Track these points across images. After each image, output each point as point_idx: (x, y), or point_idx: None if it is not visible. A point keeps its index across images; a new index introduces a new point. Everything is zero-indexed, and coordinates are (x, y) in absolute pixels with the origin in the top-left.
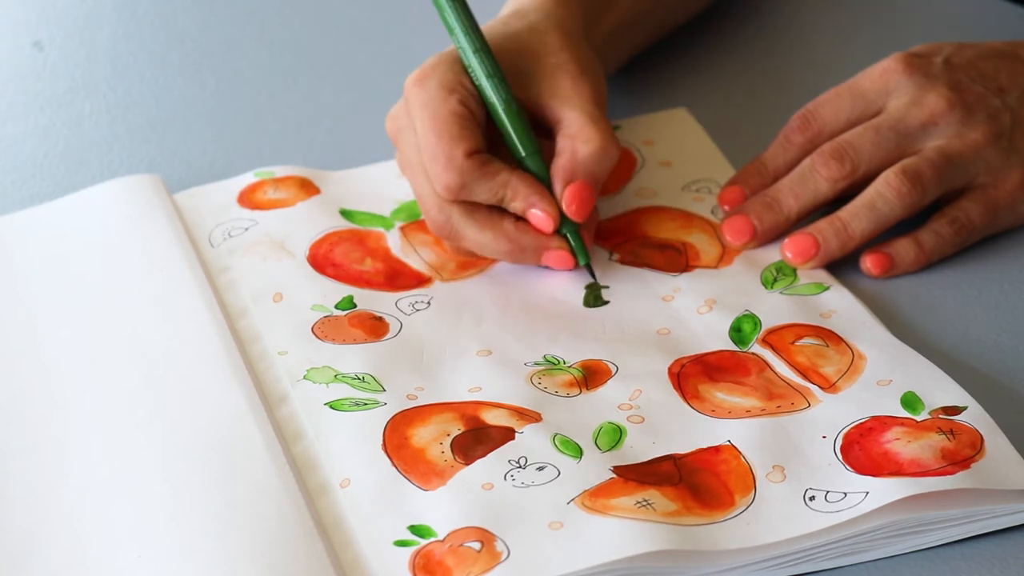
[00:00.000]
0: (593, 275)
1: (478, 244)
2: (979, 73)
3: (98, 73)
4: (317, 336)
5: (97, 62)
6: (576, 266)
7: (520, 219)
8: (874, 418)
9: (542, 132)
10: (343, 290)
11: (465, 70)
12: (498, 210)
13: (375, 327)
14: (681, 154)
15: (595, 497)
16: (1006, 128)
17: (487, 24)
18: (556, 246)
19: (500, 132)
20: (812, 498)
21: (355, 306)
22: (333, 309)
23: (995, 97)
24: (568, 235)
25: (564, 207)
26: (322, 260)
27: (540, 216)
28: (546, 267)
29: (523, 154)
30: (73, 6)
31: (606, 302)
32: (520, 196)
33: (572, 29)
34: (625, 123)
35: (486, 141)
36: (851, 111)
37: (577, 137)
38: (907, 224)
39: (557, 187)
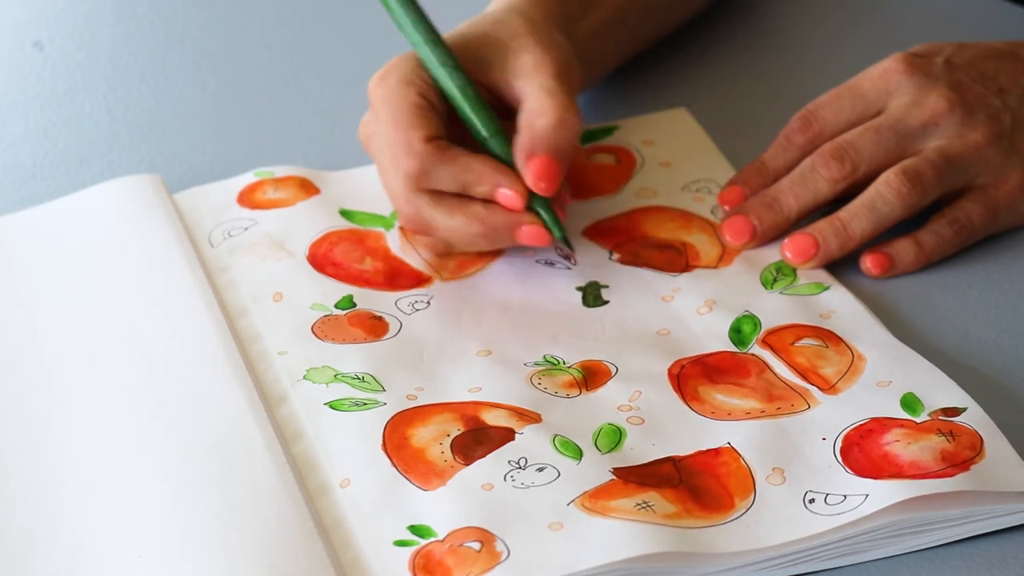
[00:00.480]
0: (569, 245)
1: (450, 230)
2: (980, 73)
3: (98, 73)
4: (317, 336)
5: (97, 62)
6: (552, 240)
7: (488, 200)
8: (874, 420)
9: (510, 116)
10: (343, 289)
11: (422, 63)
12: (466, 196)
13: (375, 327)
14: (681, 154)
15: (595, 498)
16: (1006, 128)
17: (459, 25)
18: (528, 221)
19: (462, 124)
20: (812, 500)
21: (355, 305)
22: (333, 308)
23: (995, 97)
24: (539, 210)
25: (530, 183)
26: (322, 259)
27: (508, 195)
28: (525, 246)
29: (485, 135)
30: (73, 6)
31: (606, 301)
32: (484, 179)
33: (539, 20)
34: (625, 123)
35: (452, 132)
36: (852, 112)
37: (535, 111)
38: (907, 224)
39: (520, 163)
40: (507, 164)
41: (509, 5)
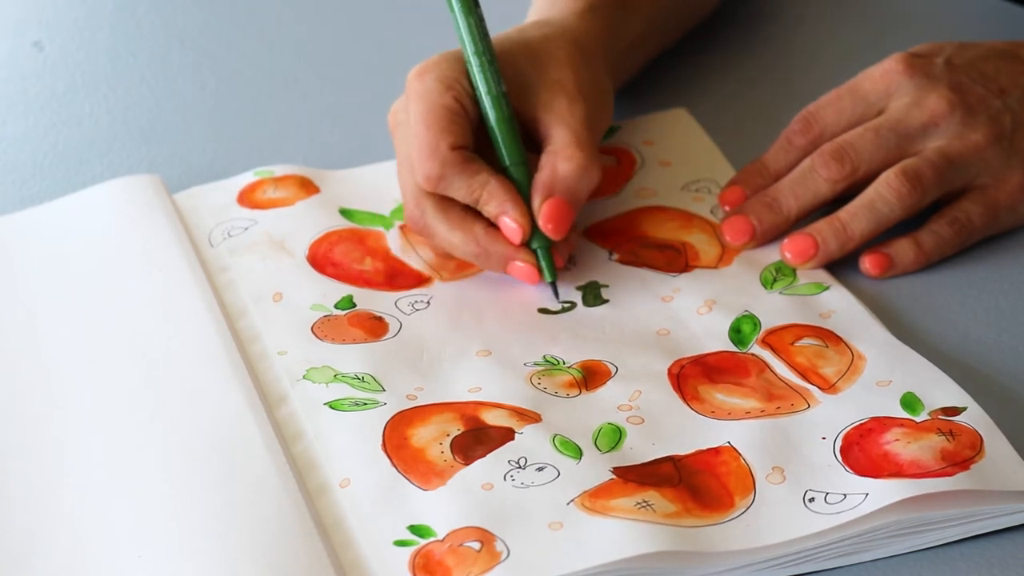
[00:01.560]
0: (557, 294)
1: (448, 243)
2: (980, 74)
3: (98, 73)
4: (317, 336)
5: (97, 62)
6: (540, 282)
7: (493, 225)
8: (874, 419)
9: (534, 147)
10: (343, 289)
11: (466, 70)
12: (472, 213)
13: (375, 327)
14: (680, 154)
15: (595, 498)
16: (1007, 129)
17: (505, 31)
18: (523, 258)
19: (489, 139)
20: (812, 499)
21: (355, 306)
22: (333, 309)
23: (996, 98)
24: (539, 250)
25: (540, 223)
26: (322, 259)
27: (511, 226)
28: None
29: (507, 163)
30: (73, 6)
31: (605, 301)
32: (495, 200)
33: (589, 44)
34: (625, 123)
35: (475, 142)
36: (852, 113)
37: (560, 154)
38: (907, 224)
39: (535, 201)
40: (523, 196)
41: (561, 20)
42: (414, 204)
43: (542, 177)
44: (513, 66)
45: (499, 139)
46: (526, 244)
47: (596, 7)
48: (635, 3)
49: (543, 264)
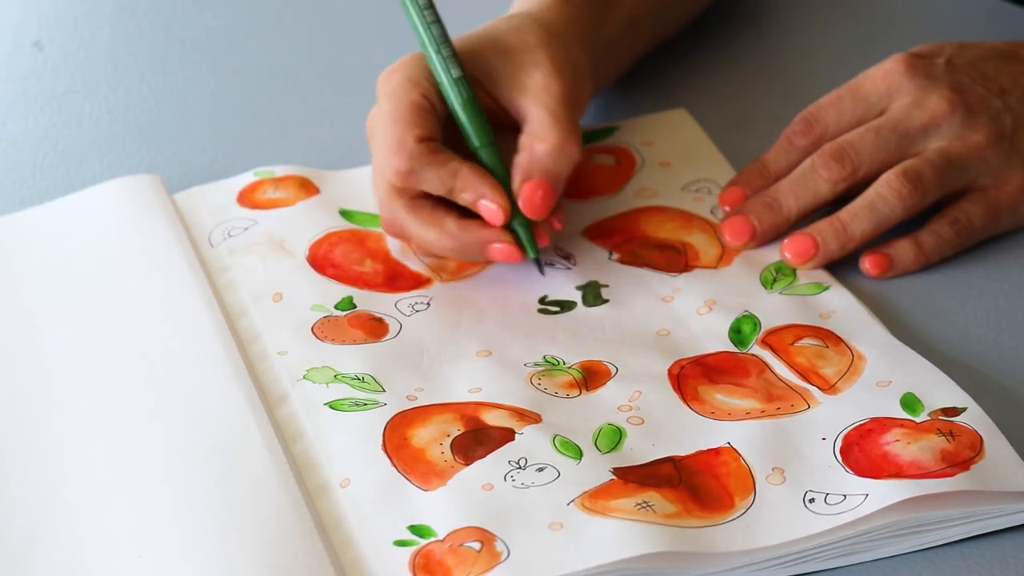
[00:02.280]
0: (541, 269)
1: (424, 241)
2: (981, 74)
3: (98, 73)
4: (317, 336)
5: (97, 62)
6: (524, 259)
7: (464, 217)
8: (873, 419)
9: (514, 132)
10: (343, 291)
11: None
12: (443, 207)
13: (375, 328)
14: (680, 154)
15: (595, 498)
16: (1007, 130)
17: (479, 27)
18: (501, 239)
19: (459, 128)
20: (812, 500)
21: (355, 307)
22: (333, 309)
23: (997, 99)
24: (519, 228)
25: (520, 205)
26: (322, 260)
27: (490, 207)
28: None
29: (476, 144)
30: (73, 6)
31: (605, 301)
32: (470, 187)
33: (559, 30)
34: (624, 124)
35: (450, 138)
36: (853, 114)
37: (536, 134)
38: (908, 225)
39: (515, 183)
40: (497, 176)
41: (531, 11)
42: (386, 207)
43: (521, 159)
44: (482, 58)
45: (464, 123)
46: (507, 225)
47: (566, 1)
48: None
49: (524, 241)
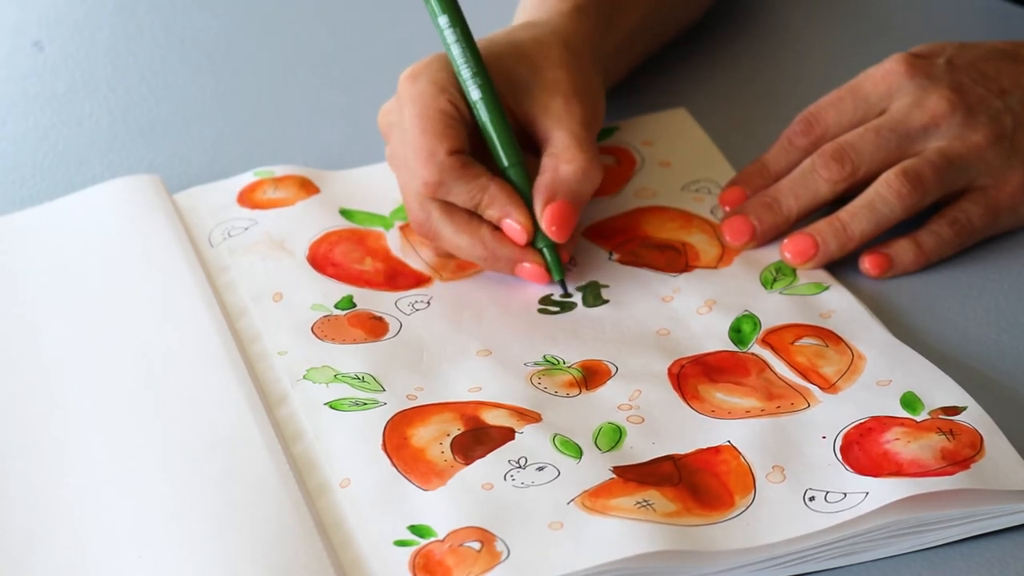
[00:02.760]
0: (566, 290)
1: (454, 245)
2: (981, 75)
3: (98, 73)
4: (317, 336)
5: (97, 62)
6: (550, 281)
7: (498, 229)
8: (874, 418)
9: (529, 148)
10: (343, 290)
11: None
12: (477, 215)
13: (375, 327)
14: (680, 154)
15: (595, 497)
16: (1008, 130)
17: (494, 33)
18: (531, 259)
19: (485, 141)
20: (812, 498)
21: (355, 306)
22: (333, 309)
23: (997, 99)
24: (544, 249)
25: (543, 226)
26: (322, 260)
27: (514, 227)
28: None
29: (505, 164)
30: (73, 6)
31: (605, 301)
32: (496, 204)
33: (578, 46)
34: (624, 124)
35: (471, 146)
36: (854, 114)
37: (561, 156)
38: (908, 224)
39: (538, 204)
40: (523, 196)
41: (548, 20)
42: (418, 207)
43: (544, 180)
44: (505, 68)
45: (495, 142)
46: (531, 244)
47: (583, 7)
48: (624, 4)
49: (550, 262)
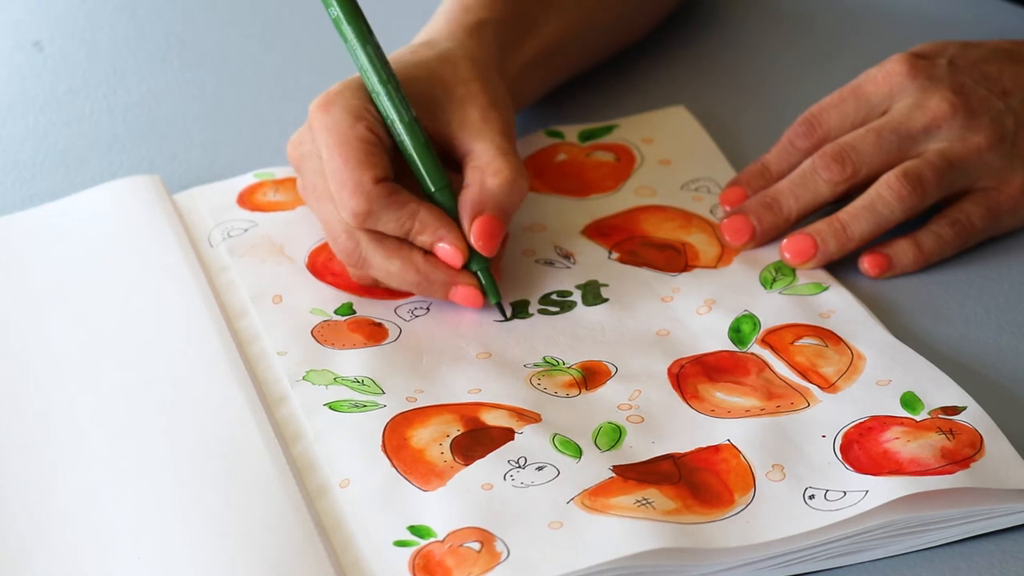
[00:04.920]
0: (503, 313)
1: (386, 273)
2: (983, 75)
3: (98, 73)
4: (317, 340)
5: (97, 62)
6: (485, 303)
7: (430, 253)
8: (873, 418)
9: (449, 163)
10: (342, 297)
11: (371, 97)
12: (407, 240)
13: (374, 332)
14: (680, 152)
15: (595, 496)
16: (1009, 131)
17: (395, 53)
18: (465, 282)
19: (405, 164)
20: (812, 497)
21: (354, 312)
22: (332, 314)
23: (999, 100)
24: (478, 272)
25: (472, 241)
26: (321, 268)
27: (448, 250)
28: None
29: (433, 189)
30: (73, 6)
31: (605, 300)
32: (428, 230)
33: (482, 59)
34: (624, 121)
35: (393, 171)
36: (855, 116)
37: (486, 169)
38: (907, 224)
39: (465, 220)
40: (453, 218)
41: (453, 39)
42: (346, 238)
43: (470, 195)
44: (415, 88)
45: (420, 166)
46: (465, 267)
47: (486, 23)
48: (532, 21)
49: (486, 285)
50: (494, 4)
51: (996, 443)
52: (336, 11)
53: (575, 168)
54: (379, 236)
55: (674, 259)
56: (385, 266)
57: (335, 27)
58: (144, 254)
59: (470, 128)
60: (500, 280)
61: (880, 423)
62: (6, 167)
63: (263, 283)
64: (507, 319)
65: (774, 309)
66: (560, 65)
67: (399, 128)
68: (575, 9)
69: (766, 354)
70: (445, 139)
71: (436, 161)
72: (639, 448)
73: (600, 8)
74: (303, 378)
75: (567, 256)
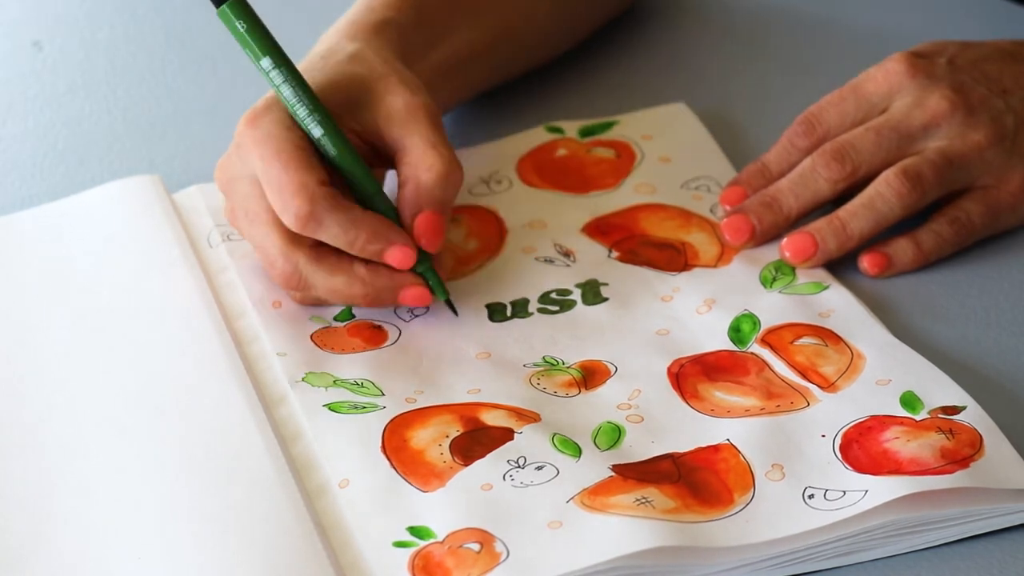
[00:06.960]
0: (454, 310)
1: (330, 290)
2: (983, 74)
3: (98, 73)
4: (316, 344)
5: (97, 62)
6: (435, 301)
7: (369, 261)
8: (873, 417)
9: (381, 160)
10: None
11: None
12: (347, 254)
13: (374, 336)
14: (680, 150)
15: (594, 495)
16: (1009, 130)
17: (304, 62)
18: (412, 283)
19: (345, 178)
20: (811, 496)
21: (353, 316)
22: (332, 321)
23: (998, 99)
24: (425, 272)
25: (416, 239)
26: None
27: (398, 253)
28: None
29: (368, 192)
30: (73, 6)
31: (605, 299)
32: (377, 237)
33: (391, 54)
34: (624, 118)
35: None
36: (855, 114)
37: (419, 166)
38: (907, 223)
39: (406, 219)
40: (393, 221)
41: (358, 39)
42: (283, 260)
43: (407, 193)
44: (334, 93)
45: (351, 174)
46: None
47: (390, 23)
48: (442, 29)
49: (433, 284)
50: (400, 6)
51: (996, 443)
52: (242, 26)
53: (575, 164)
54: (317, 254)
55: (674, 258)
56: (328, 284)
57: (240, 45)
58: (144, 254)
59: (397, 121)
60: (446, 278)
61: (880, 423)
62: (6, 167)
63: (263, 288)
64: (456, 313)
65: (774, 308)
66: (475, 75)
67: (324, 139)
68: (491, 17)
69: (766, 353)
70: (374, 136)
71: (365, 167)
72: (639, 447)
73: (522, 17)
74: (302, 379)
75: (567, 254)
